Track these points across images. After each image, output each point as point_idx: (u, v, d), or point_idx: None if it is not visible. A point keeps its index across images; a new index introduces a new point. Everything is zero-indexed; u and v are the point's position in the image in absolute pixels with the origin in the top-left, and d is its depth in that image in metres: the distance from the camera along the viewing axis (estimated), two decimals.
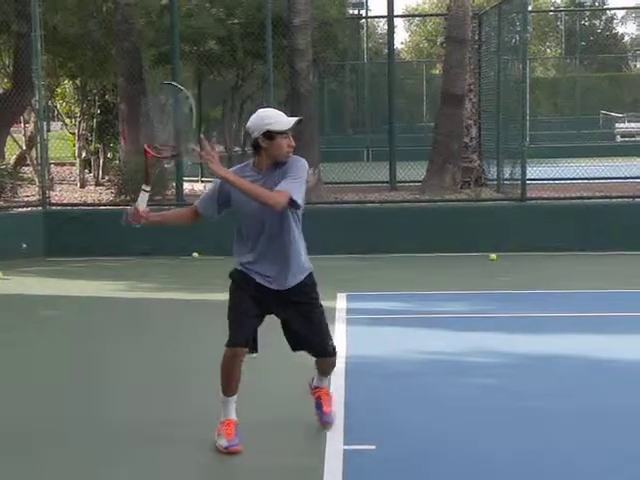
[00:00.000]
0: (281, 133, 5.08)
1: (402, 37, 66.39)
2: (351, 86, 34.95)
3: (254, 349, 5.30)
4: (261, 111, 5.23)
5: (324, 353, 5.42)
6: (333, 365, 5.58)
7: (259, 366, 6.20)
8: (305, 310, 5.33)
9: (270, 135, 5.08)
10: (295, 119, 5.17)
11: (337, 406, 5.97)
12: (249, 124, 5.14)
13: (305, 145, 15.20)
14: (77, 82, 20.88)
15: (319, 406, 5.58)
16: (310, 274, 5.37)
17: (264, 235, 5.20)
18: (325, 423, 5.54)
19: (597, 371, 6.93)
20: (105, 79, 19.80)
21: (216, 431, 5.27)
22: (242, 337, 5.22)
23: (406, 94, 33.17)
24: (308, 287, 5.34)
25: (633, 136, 37.15)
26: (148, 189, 5.34)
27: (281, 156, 5.14)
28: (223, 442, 5.20)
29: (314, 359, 5.49)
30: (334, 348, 5.46)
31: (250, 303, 5.24)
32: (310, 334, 5.34)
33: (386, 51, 17.66)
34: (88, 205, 15.85)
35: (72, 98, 21.78)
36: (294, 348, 5.50)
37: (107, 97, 21.03)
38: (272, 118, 5.12)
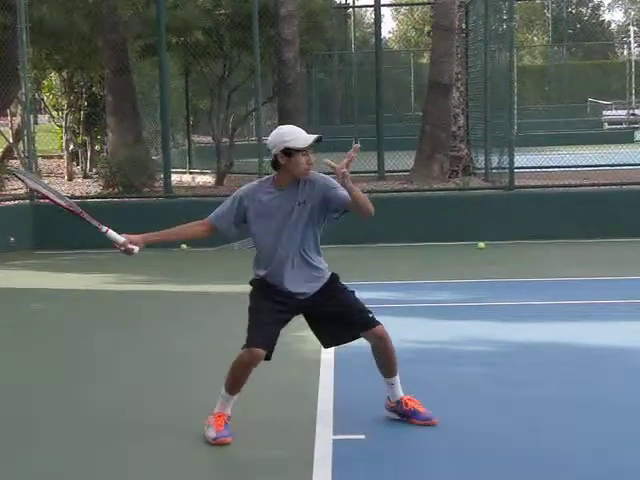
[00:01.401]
0: (299, 151, 5.07)
1: (389, 26, 66.40)
2: (339, 76, 34.94)
3: (269, 356, 5.23)
4: (281, 128, 5.24)
5: (370, 322, 5.30)
6: (392, 349, 5.37)
7: None
8: (336, 296, 5.32)
9: (289, 152, 5.07)
10: (314, 137, 5.12)
11: (327, 396, 6.00)
12: (269, 140, 5.16)
13: None
14: (64, 74, 20.81)
15: (415, 413, 5.41)
16: (330, 274, 5.36)
17: (281, 249, 5.20)
18: (430, 419, 5.38)
19: (586, 358, 6.95)
20: (92, 71, 19.74)
21: (206, 422, 5.28)
22: (265, 342, 5.19)
23: (394, 83, 33.17)
24: (332, 283, 5.35)
25: (620, 123, 37.25)
26: (104, 229, 5.40)
27: (300, 173, 5.13)
28: (212, 433, 5.20)
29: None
30: (375, 319, 5.36)
31: (276, 307, 5.22)
32: (349, 311, 5.29)
33: (373, 40, 17.67)
34: (76, 198, 15.80)
35: (59, 90, 21.72)
36: (330, 342, 5.47)
37: (94, 89, 20.97)
38: (290, 135, 5.10)
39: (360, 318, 5.33)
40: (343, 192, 5.06)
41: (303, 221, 5.18)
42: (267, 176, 5.35)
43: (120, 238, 5.31)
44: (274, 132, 5.19)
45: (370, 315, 5.34)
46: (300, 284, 5.26)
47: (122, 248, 5.31)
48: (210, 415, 5.28)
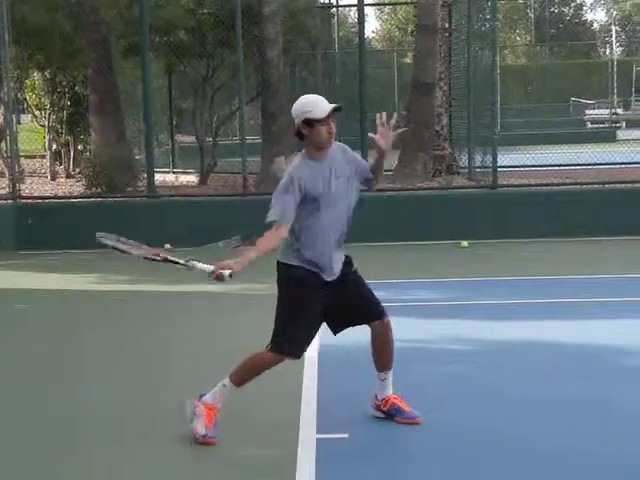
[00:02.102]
0: (319, 121, 5.06)
1: (373, 26, 66.45)
2: (322, 75, 34.91)
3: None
4: (303, 98, 5.20)
5: (381, 313, 5.33)
6: (393, 339, 5.39)
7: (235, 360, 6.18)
8: (353, 279, 5.32)
9: (309, 122, 5.07)
10: (332, 106, 5.09)
11: (310, 395, 6.00)
12: (292, 110, 5.14)
13: (277, 134, 15.23)
14: (46, 74, 20.73)
15: (399, 412, 5.42)
16: (345, 256, 5.35)
17: (334, 229, 5.15)
18: (415, 418, 5.39)
19: (570, 357, 6.98)
20: (75, 71, 19.67)
21: (195, 409, 5.20)
22: (302, 351, 5.20)
23: (377, 83, 33.17)
24: (350, 266, 5.34)
25: (603, 122, 37.41)
26: (190, 264, 5.29)
27: (322, 143, 5.11)
28: (201, 429, 5.17)
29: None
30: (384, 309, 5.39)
31: (320, 300, 5.15)
32: (367, 297, 5.32)
33: (357, 40, 17.67)
34: (59, 198, 15.76)
35: (42, 90, 21.62)
36: (339, 329, 5.39)
37: (77, 89, 20.89)
38: (310, 105, 5.09)
39: (372, 307, 5.34)
40: (365, 161, 5.23)
41: (343, 193, 5.16)
42: (298, 154, 5.24)
43: (209, 267, 5.13)
44: (296, 102, 5.17)
45: (380, 306, 5.36)
46: (339, 265, 5.23)
47: (213, 277, 5.09)
48: (199, 402, 5.22)
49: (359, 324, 5.39)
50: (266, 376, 6.41)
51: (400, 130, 5.28)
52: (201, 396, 5.29)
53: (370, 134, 5.23)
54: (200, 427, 5.18)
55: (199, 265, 5.19)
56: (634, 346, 7.18)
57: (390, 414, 5.43)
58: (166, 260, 5.33)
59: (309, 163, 5.12)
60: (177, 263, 5.29)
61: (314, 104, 5.10)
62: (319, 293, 5.16)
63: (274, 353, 5.15)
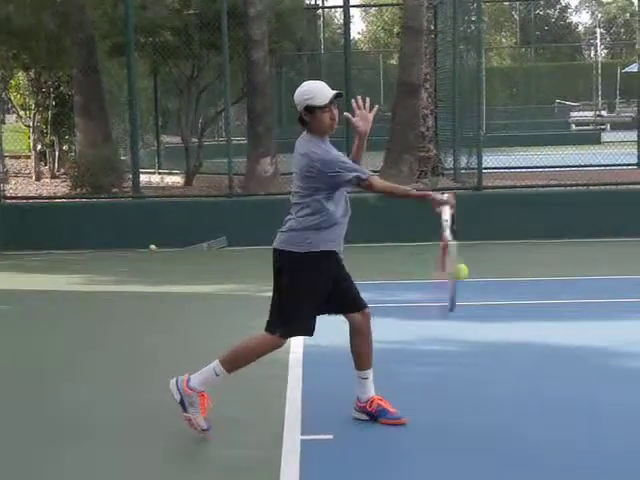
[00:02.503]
0: (321, 107, 5.08)
1: (359, 27, 66.47)
2: (309, 76, 34.92)
3: None
4: (304, 84, 5.21)
5: (365, 303, 5.43)
6: (371, 333, 5.44)
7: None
8: (343, 266, 5.42)
9: (311, 109, 5.08)
10: (334, 92, 5.12)
11: (294, 396, 6.00)
12: (294, 97, 5.15)
13: (262, 136, 15.23)
14: (31, 74, 20.66)
15: (384, 412, 5.40)
16: None
17: (347, 205, 5.35)
18: (400, 418, 5.39)
19: (551, 358, 7.01)
20: (60, 71, 19.61)
21: (189, 398, 5.14)
22: (313, 330, 5.26)
23: (363, 84, 33.24)
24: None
25: (587, 124, 37.55)
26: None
27: (325, 130, 5.14)
28: (203, 423, 5.14)
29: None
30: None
31: (329, 282, 5.24)
32: (353, 286, 5.41)
33: (343, 41, 17.69)
34: (44, 198, 15.71)
35: (26, 90, 21.55)
36: (325, 309, 5.34)
37: (62, 89, 20.83)
38: (310, 92, 5.11)
39: (357, 297, 5.40)
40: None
41: None
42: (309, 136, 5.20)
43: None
44: (298, 90, 5.17)
45: (362, 298, 5.42)
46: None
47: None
48: (190, 390, 5.15)
49: (341, 312, 5.40)
50: (251, 376, 6.42)
51: (375, 108, 5.29)
52: (188, 380, 5.22)
53: (346, 114, 5.27)
54: (201, 420, 5.15)
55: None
56: (616, 347, 7.21)
57: (375, 415, 5.43)
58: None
59: (321, 145, 5.15)
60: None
61: (315, 91, 5.12)
62: (331, 276, 5.24)
63: (275, 334, 5.19)
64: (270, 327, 5.26)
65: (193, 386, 5.18)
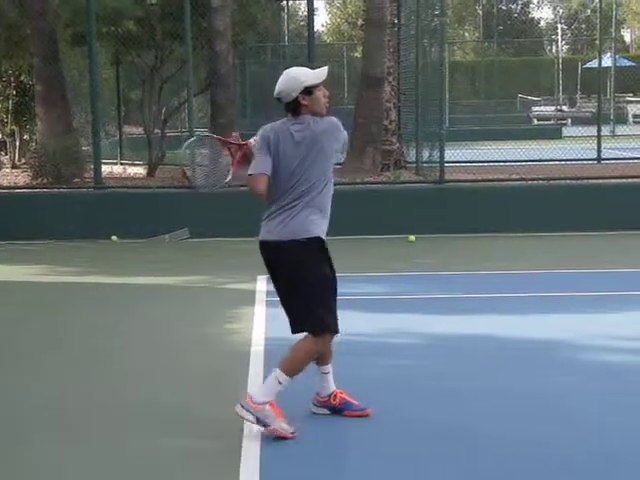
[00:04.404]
0: (317, 86, 5.11)
1: (323, 19, 66.32)
2: (273, 68, 34.82)
3: None
4: (289, 72, 5.20)
5: None
6: None
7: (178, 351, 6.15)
8: None
9: (309, 91, 5.09)
10: (325, 68, 5.18)
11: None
12: (281, 89, 5.13)
13: (225, 127, 15.16)
14: None
15: (348, 405, 5.40)
16: None
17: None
18: (365, 409, 5.40)
19: (514, 351, 7.06)
20: (20, 60, 19.39)
21: (260, 412, 4.98)
22: (337, 322, 5.19)
23: (327, 77, 33.19)
24: None
25: (549, 119, 37.82)
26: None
27: (322, 109, 5.17)
28: (287, 427, 5.04)
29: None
30: None
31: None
32: None
33: (307, 33, 17.65)
34: (4, 188, 15.55)
35: None
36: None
37: (23, 78, 20.60)
38: (304, 75, 5.14)
39: None
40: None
41: None
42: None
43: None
44: (283, 80, 5.16)
45: None
46: None
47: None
48: (258, 404, 5.00)
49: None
50: (213, 370, 6.42)
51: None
52: (252, 398, 5.06)
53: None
54: (284, 426, 5.02)
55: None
56: (575, 339, 7.28)
57: (340, 409, 5.42)
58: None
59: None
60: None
61: (307, 72, 5.19)
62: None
63: (322, 336, 5.11)
64: (314, 328, 5.12)
65: (260, 401, 5.03)
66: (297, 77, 5.12)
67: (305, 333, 5.15)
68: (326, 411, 5.45)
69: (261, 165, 5.13)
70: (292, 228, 5.09)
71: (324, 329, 5.11)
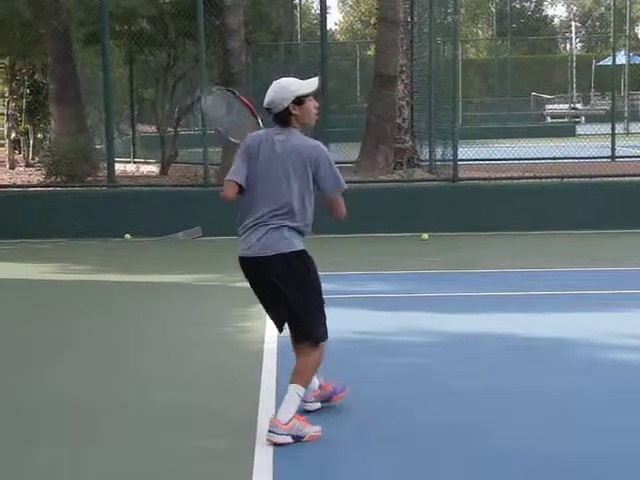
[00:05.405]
0: (308, 96, 5.07)
1: (336, 18, 66.37)
2: (285, 66, 34.79)
3: None
4: (279, 82, 5.12)
5: None
6: None
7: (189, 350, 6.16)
8: None
9: (301, 100, 5.05)
10: (316, 79, 5.15)
11: (269, 386, 6.00)
12: (272, 98, 5.04)
13: None
14: (5, 61, 20.50)
15: (334, 392, 5.57)
16: None
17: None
18: (343, 390, 5.58)
19: (524, 350, 7.03)
20: (34, 59, 19.47)
21: (293, 429, 4.99)
22: None
23: (340, 75, 33.19)
24: None
25: (562, 117, 37.73)
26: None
27: (312, 119, 5.14)
28: (315, 429, 5.07)
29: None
30: None
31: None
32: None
33: (320, 32, 17.64)
34: (18, 186, 15.61)
35: (0, 78, 21.39)
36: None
37: (37, 77, 20.70)
38: (296, 84, 5.09)
39: None
40: None
41: None
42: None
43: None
44: (275, 89, 5.06)
45: None
46: None
47: None
48: (287, 423, 4.97)
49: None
50: (226, 368, 6.42)
51: None
52: (279, 421, 5.02)
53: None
54: (314, 430, 5.07)
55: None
56: (590, 339, 7.25)
57: (329, 398, 5.55)
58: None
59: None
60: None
61: (298, 81, 5.12)
62: None
63: (319, 344, 5.16)
64: (322, 337, 5.18)
65: (287, 420, 5.01)
66: (288, 86, 5.06)
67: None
68: (318, 405, 5.52)
69: (236, 172, 5.09)
70: (289, 238, 5.14)
71: (325, 338, 5.20)
